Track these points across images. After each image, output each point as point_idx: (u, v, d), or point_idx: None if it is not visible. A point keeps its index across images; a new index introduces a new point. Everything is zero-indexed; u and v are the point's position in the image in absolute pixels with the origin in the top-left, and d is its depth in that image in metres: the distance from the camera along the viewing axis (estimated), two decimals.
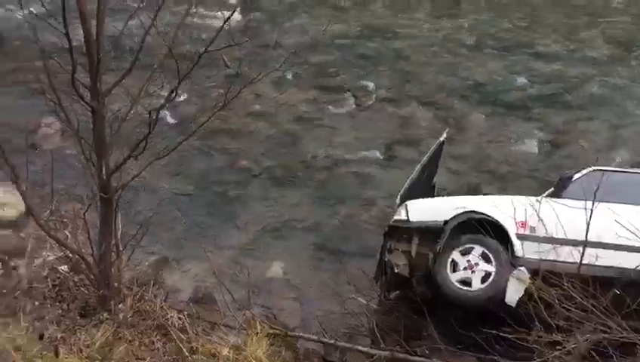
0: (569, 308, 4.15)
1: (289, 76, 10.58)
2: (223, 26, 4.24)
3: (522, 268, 4.53)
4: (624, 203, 5.08)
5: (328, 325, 6.15)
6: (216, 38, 4.26)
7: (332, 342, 5.72)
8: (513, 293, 4.46)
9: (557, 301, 4.24)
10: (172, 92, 4.35)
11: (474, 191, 7.90)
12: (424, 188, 6.11)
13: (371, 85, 10.62)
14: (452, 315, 5.58)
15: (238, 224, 7.63)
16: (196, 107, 9.26)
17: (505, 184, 8.21)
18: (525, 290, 4.49)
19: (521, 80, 10.57)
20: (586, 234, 4.17)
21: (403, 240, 5.64)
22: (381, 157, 8.91)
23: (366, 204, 8.05)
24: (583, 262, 4.78)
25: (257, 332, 5.37)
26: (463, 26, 12.39)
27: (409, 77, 10.85)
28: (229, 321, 5.80)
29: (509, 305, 4.66)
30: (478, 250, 5.20)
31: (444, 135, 5.87)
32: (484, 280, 5.09)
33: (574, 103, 9.94)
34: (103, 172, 4.52)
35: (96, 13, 4.17)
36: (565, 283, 4.40)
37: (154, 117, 4.39)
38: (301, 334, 5.77)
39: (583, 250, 4.22)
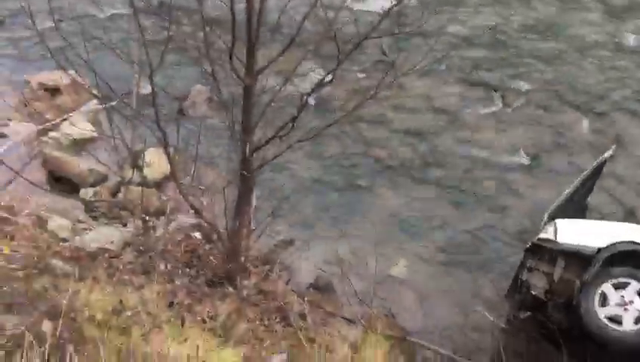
0: None
1: (437, 68, 10.16)
2: (389, 11, 4.00)
3: None
4: None
5: (449, 336, 5.84)
6: (379, 23, 4.04)
7: (452, 354, 5.40)
8: None
9: None
10: (328, 75, 4.20)
11: (629, 217, 7.17)
12: (576, 207, 5.55)
13: (524, 86, 9.92)
14: (588, 351, 5.07)
15: (366, 214, 7.45)
16: (341, 92, 9.15)
17: None
18: None
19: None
20: None
21: (546, 260, 5.16)
22: (526, 165, 8.31)
23: (504, 213, 7.56)
24: None
25: (377, 332, 5.18)
26: (630, 29, 11.23)
27: (567, 81, 10.01)
28: (347, 314, 5.66)
29: None
30: (635, 286, 4.62)
31: (610, 151, 5.26)
32: (638, 321, 4.52)
33: None
34: (247, 149, 4.50)
35: None
36: None
37: (305, 100, 4.27)
38: (420, 341, 5.51)
39: None
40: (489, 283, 6.56)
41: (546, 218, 5.29)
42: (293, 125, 4.35)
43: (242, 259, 5.07)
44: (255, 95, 4.47)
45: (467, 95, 9.71)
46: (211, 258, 5.22)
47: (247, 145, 4.48)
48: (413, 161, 8.31)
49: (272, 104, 4.58)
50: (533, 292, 5.18)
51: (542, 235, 5.12)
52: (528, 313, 5.78)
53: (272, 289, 5.20)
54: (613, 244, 4.75)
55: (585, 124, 9.04)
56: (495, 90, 9.83)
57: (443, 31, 10.58)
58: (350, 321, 5.54)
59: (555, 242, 5.00)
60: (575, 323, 4.96)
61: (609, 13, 11.78)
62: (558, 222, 5.11)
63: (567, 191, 5.33)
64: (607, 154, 5.34)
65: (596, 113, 9.22)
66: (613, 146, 5.95)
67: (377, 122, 8.96)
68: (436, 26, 10.66)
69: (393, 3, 4.23)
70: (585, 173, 5.34)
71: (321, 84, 4.41)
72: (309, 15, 4.18)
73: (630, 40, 10.95)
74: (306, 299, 5.44)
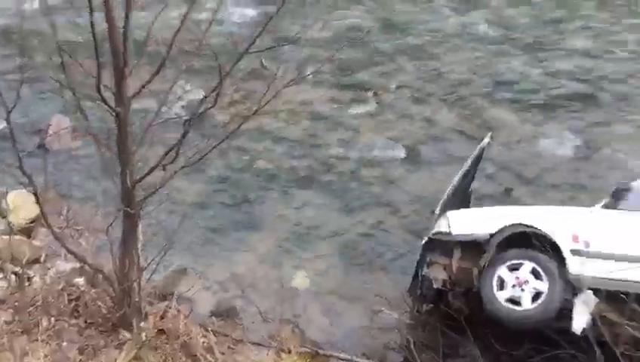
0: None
1: (307, 73, 10.17)
2: (265, 26, 3.84)
3: (589, 292, 4.16)
4: None
5: (359, 341, 5.80)
6: (257, 37, 3.86)
7: (365, 360, 5.36)
8: (580, 320, 4.08)
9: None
10: (211, 93, 3.95)
11: (506, 198, 7.55)
12: (462, 196, 5.72)
13: (392, 83, 10.21)
14: (490, 332, 5.24)
15: (259, 229, 7.26)
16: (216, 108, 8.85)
17: (538, 188, 7.83)
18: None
19: (550, 78, 10.15)
20: None
21: (443, 253, 5.27)
22: (405, 159, 8.52)
23: (392, 209, 7.68)
24: None
25: (288, 350, 5.01)
26: (486, 20, 11.95)
27: (431, 74, 10.43)
28: (255, 337, 5.44)
29: (573, 332, 4.29)
30: (527, 266, 4.82)
31: (487, 139, 5.48)
32: (535, 299, 4.71)
33: (606, 104, 9.52)
34: (128, 182, 4.15)
35: (125, 9, 3.77)
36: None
37: (187, 125, 4.01)
38: (333, 353, 5.41)
39: None
40: (390, 281, 6.60)
41: (437, 211, 5.40)
42: (177, 153, 4.07)
43: (136, 299, 4.69)
44: (129, 122, 4.14)
45: (341, 97, 9.80)
46: (100, 304, 4.78)
47: (127, 177, 4.13)
48: (299, 168, 8.24)
49: (151, 128, 4.25)
50: (435, 286, 5.26)
51: (437, 229, 5.22)
52: (430, 306, 5.88)
53: (172, 326, 4.86)
54: (503, 228, 4.92)
55: (453, 112, 9.46)
56: (367, 90, 10.03)
57: (310, 37, 10.64)
58: (259, 345, 5.32)
59: (450, 234, 5.11)
60: (477, 308, 5.10)
61: (457, 7, 12.48)
62: (450, 214, 5.23)
63: (454, 182, 5.49)
64: (485, 142, 5.56)
65: (461, 101, 9.68)
66: (490, 133, 6.21)
67: (258, 133, 8.79)
68: (302, 33, 10.72)
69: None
70: (467, 162, 5.52)
71: (203, 107, 4.15)
72: (179, 31, 3.91)
73: (480, 30, 11.66)
74: (210, 329, 5.14)
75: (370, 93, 9.95)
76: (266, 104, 4.17)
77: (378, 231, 7.34)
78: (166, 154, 4.17)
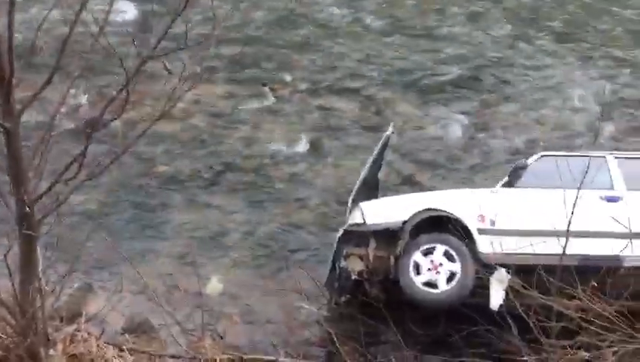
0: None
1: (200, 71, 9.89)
2: (167, 29, 3.63)
3: (502, 269, 4.36)
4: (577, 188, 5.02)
5: (282, 340, 5.76)
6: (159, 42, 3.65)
7: (290, 359, 5.32)
8: (496, 297, 4.27)
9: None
10: (114, 100, 3.70)
11: (410, 185, 7.76)
12: (371, 186, 5.81)
13: (287, 77, 10.16)
14: (409, 316, 5.39)
15: (166, 236, 7.01)
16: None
17: (438, 172, 8.11)
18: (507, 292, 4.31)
19: (438, 64, 10.52)
20: (569, 223, 4.00)
21: (359, 244, 5.33)
22: (308, 153, 8.52)
23: (300, 204, 7.67)
24: (550, 251, 4.70)
25: (212, 359, 4.86)
26: (372, 10, 12.19)
27: (325, 66, 10.48)
28: (175, 350, 5.24)
29: (491, 308, 4.47)
30: (440, 249, 4.98)
31: (391, 128, 5.60)
32: (449, 280, 4.89)
33: (488, 86, 10.00)
34: (24, 201, 3.81)
35: (8, 15, 3.44)
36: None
37: (89, 137, 3.74)
38: (256, 356, 5.32)
39: (566, 240, 4.07)
40: (305, 276, 6.58)
41: (350, 204, 5.44)
42: (80, 166, 3.79)
43: (41, 326, 4.34)
44: (20, 138, 3.80)
45: (237, 93, 9.62)
46: (2, 337, 4.39)
47: (23, 197, 3.80)
48: (201, 170, 8.01)
49: (46, 141, 3.93)
50: (353, 277, 5.31)
51: (351, 221, 5.26)
52: (348, 297, 5.93)
53: (84, 350, 4.56)
54: (415, 215, 5.05)
55: (350, 103, 9.59)
56: (264, 85, 9.92)
57: (192, 34, 10.34)
58: (178, 357, 5.13)
59: (364, 224, 5.18)
60: (395, 295, 5.22)
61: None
62: (363, 205, 5.29)
63: (363, 173, 5.55)
64: (388, 132, 5.67)
65: (356, 91, 9.82)
66: (392, 123, 6.34)
67: (153, 137, 8.42)
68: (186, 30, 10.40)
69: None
70: (374, 152, 5.61)
71: (108, 117, 3.89)
72: (70, 35, 3.63)
73: (369, 21, 11.88)
74: (125, 348, 4.88)
75: (266, 88, 9.86)
76: (172, 107, 3.98)
77: (288, 228, 7.30)
78: (67, 168, 3.87)
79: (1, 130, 3.69)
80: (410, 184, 7.74)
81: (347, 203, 5.50)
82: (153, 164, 8.04)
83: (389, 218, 5.13)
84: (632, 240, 4.71)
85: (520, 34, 11.24)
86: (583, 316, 4.04)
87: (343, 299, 6.03)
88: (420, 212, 5.03)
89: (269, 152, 8.37)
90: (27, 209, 3.86)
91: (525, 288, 4.22)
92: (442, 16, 11.98)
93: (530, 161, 5.31)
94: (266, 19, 11.64)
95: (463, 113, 9.31)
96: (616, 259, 4.72)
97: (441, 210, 5.02)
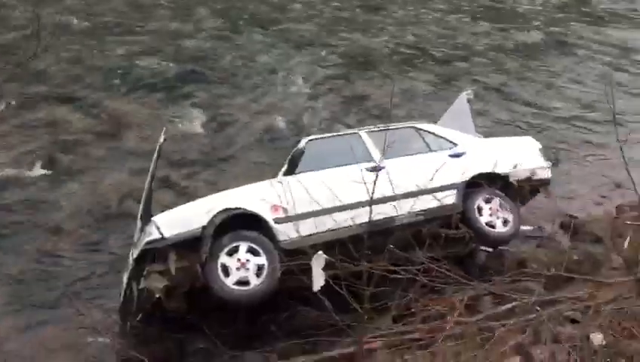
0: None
1: None
2: None
3: (320, 253, 4.57)
4: (347, 164, 5.54)
5: None
6: None
7: None
8: (318, 280, 4.46)
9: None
10: None
11: (166, 184, 7.56)
12: (150, 199, 5.48)
13: None
14: (215, 319, 5.36)
15: None
16: None
17: (193, 168, 8.05)
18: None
19: (156, 61, 10.34)
20: (372, 196, 4.39)
21: (156, 260, 5.05)
22: (45, 174, 7.65)
23: (53, 230, 6.88)
24: (341, 226, 5.15)
25: None
26: (68, 11, 11.31)
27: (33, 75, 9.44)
28: None
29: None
30: (243, 246, 5.01)
31: (163, 136, 5.33)
32: (259, 274, 4.97)
33: (215, 78, 10.24)
34: None
35: None
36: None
37: None
38: None
39: (371, 210, 4.45)
40: (83, 307, 6.00)
41: (139, 222, 5.09)
42: None
43: None
44: None
45: None
46: None
47: None
48: None
49: None
50: (157, 294, 5.03)
51: (148, 238, 4.92)
52: (140, 316, 5.58)
53: None
54: (213, 218, 4.99)
55: (76, 113, 8.84)
56: None
57: None
58: None
59: (163, 239, 4.92)
60: (202, 302, 5.10)
61: None
62: (156, 219, 5.00)
63: (145, 190, 5.21)
64: (161, 140, 5.40)
65: (78, 99, 9.09)
66: (165, 129, 5.94)
67: None
68: None
69: None
70: (151, 167, 5.28)
71: None
72: None
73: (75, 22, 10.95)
74: None
75: None
76: None
77: (48, 259, 6.51)
78: None
79: None
80: (170, 187, 7.57)
81: (136, 222, 5.13)
82: None
83: (186, 226, 4.95)
84: (398, 202, 5.42)
85: (229, 26, 11.73)
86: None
87: (136, 320, 5.65)
88: (217, 214, 4.96)
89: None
90: None
91: (333, 262, 4.53)
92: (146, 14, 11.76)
93: (300, 146, 5.64)
94: None
95: (198, 107, 9.35)
96: (391, 220, 5.37)
97: (237, 208, 5.04)
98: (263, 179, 5.52)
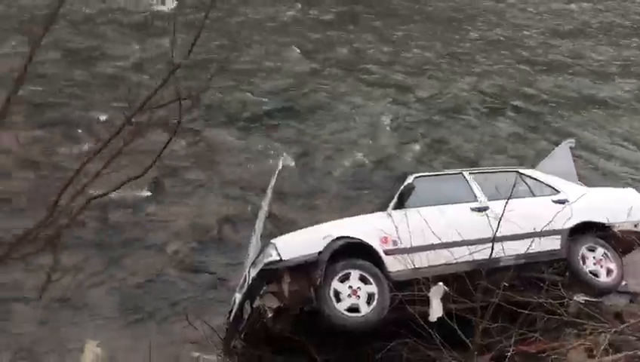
0: None
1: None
2: None
3: (439, 284, 4.74)
4: (452, 202, 5.73)
5: None
6: None
7: None
8: (435, 310, 4.61)
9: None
10: None
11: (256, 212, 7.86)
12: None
13: (100, 115, 9.48)
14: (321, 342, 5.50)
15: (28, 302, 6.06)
16: None
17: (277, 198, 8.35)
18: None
19: (249, 95, 10.82)
20: (495, 234, 4.54)
21: (271, 281, 5.29)
22: (150, 195, 8.09)
23: (157, 248, 7.29)
24: (450, 261, 5.29)
25: None
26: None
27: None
28: None
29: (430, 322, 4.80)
30: (355, 274, 5.20)
31: (281, 163, 5.65)
32: (369, 302, 5.14)
33: (303, 114, 10.61)
34: None
35: None
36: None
37: None
38: None
39: (492, 248, 4.59)
40: (183, 324, 6.28)
41: (258, 242, 5.36)
42: None
43: None
44: None
45: (48, 138, 8.70)
46: None
47: None
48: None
49: None
50: (270, 314, 5.25)
51: (267, 259, 5.18)
52: (244, 335, 5.80)
53: None
54: (328, 245, 5.22)
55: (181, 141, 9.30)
56: (77, 125, 9.10)
57: None
58: None
59: (280, 261, 5.16)
60: (310, 326, 5.26)
61: None
62: (276, 241, 5.27)
63: (264, 211, 5.51)
64: (280, 165, 5.72)
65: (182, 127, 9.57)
66: (283, 155, 6.31)
67: None
68: None
69: None
70: (269, 187, 5.59)
71: None
72: None
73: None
74: None
75: (79, 129, 9.08)
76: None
77: (155, 276, 6.88)
78: None
79: None
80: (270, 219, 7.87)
81: (254, 242, 5.41)
82: None
83: (303, 251, 5.19)
84: (503, 243, 5.54)
85: (318, 65, 12.17)
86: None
87: (240, 340, 5.89)
88: (332, 241, 5.19)
89: (109, 199, 7.71)
90: None
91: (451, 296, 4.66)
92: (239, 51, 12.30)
93: (408, 182, 5.85)
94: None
95: (287, 141, 9.73)
96: (496, 260, 5.49)
97: (352, 238, 5.26)
98: (349, 213, 5.75)
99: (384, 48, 12.86)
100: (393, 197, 5.84)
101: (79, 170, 3.49)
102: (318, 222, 5.71)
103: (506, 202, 5.07)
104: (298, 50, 12.37)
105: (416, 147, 10.19)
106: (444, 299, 4.75)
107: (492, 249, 4.65)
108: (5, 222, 6.94)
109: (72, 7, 11.32)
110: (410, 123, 10.71)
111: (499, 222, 4.76)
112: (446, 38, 13.85)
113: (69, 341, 5.82)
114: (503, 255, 5.57)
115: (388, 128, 10.55)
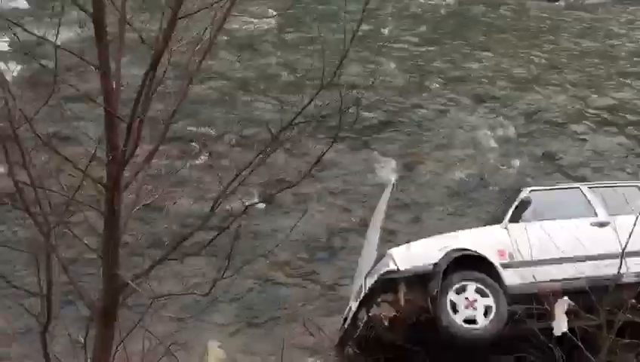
0: None
1: None
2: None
3: (565, 298, 4.74)
4: (571, 217, 5.67)
5: None
6: None
7: None
8: (560, 324, 4.62)
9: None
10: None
11: (363, 224, 8.00)
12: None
13: (210, 130, 10.01)
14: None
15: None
16: None
17: (389, 211, 8.44)
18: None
19: (353, 110, 10.98)
20: (624, 249, 4.51)
21: (387, 290, 5.45)
22: (265, 206, 8.42)
23: (272, 258, 7.53)
24: (573, 276, 5.22)
25: None
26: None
27: (243, 117, 10.42)
28: None
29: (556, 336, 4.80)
30: (471, 286, 5.27)
31: (394, 180, 5.84)
32: (486, 314, 5.18)
33: (406, 128, 10.69)
34: (116, 281, 3.44)
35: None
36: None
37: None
38: None
39: (620, 263, 4.55)
40: (298, 330, 6.51)
41: (373, 254, 5.55)
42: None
43: None
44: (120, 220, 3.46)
45: (168, 152, 9.25)
46: None
47: (113, 276, 3.43)
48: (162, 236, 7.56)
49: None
50: (385, 323, 5.39)
51: (385, 269, 5.36)
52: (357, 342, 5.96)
53: None
54: (444, 257, 5.32)
55: (283, 154, 9.65)
56: (192, 142, 9.65)
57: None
58: None
59: (397, 271, 5.31)
60: (442, 335, 5.32)
61: None
62: (393, 252, 5.43)
63: (380, 220, 5.70)
64: (392, 182, 5.90)
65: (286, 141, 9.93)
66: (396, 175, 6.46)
67: None
68: None
69: None
70: (382, 202, 5.78)
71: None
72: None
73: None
74: None
75: (195, 144, 9.61)
76: None
77: (267, 284, 7.18)
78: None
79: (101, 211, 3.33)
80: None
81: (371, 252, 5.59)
82: None
83: (419, 262, 5.32)
84: (625, 259, 5.41)
85: (417, 80, 12.23)
86: None
87: (352, 345, 6.06)
88: (449, 253, 5.29)
89: (224, 210, 8.13)
90: (115, 290, 3.48)
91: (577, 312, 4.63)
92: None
93: (524, 195, 5.85)
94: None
95: (391, 155, 9.85)
96: (619, 276, 5.37)
97: (468, 250, 5.34)
98: (455, 227, 5.79)
99: (484, 62, 12.74)
100: (507, 211, 5.85)
101: (234, 179, 3.72)
102: (423, 236, 5.83)
103: (637, 217, 4.95)
104: (395, 65, 12.50)
105: (521, 161, 10.03)
106: (568, 313, 4.70)
107: (620, 264, 4.56)
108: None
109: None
110: (514, 136, 10.57)
111: (629, 237, 4.66)
112: (546, 50, 13.56)
113: (193, 340, 6.15)
114: (625, 271, 5.45)
115: (492, 142, 10.45)
